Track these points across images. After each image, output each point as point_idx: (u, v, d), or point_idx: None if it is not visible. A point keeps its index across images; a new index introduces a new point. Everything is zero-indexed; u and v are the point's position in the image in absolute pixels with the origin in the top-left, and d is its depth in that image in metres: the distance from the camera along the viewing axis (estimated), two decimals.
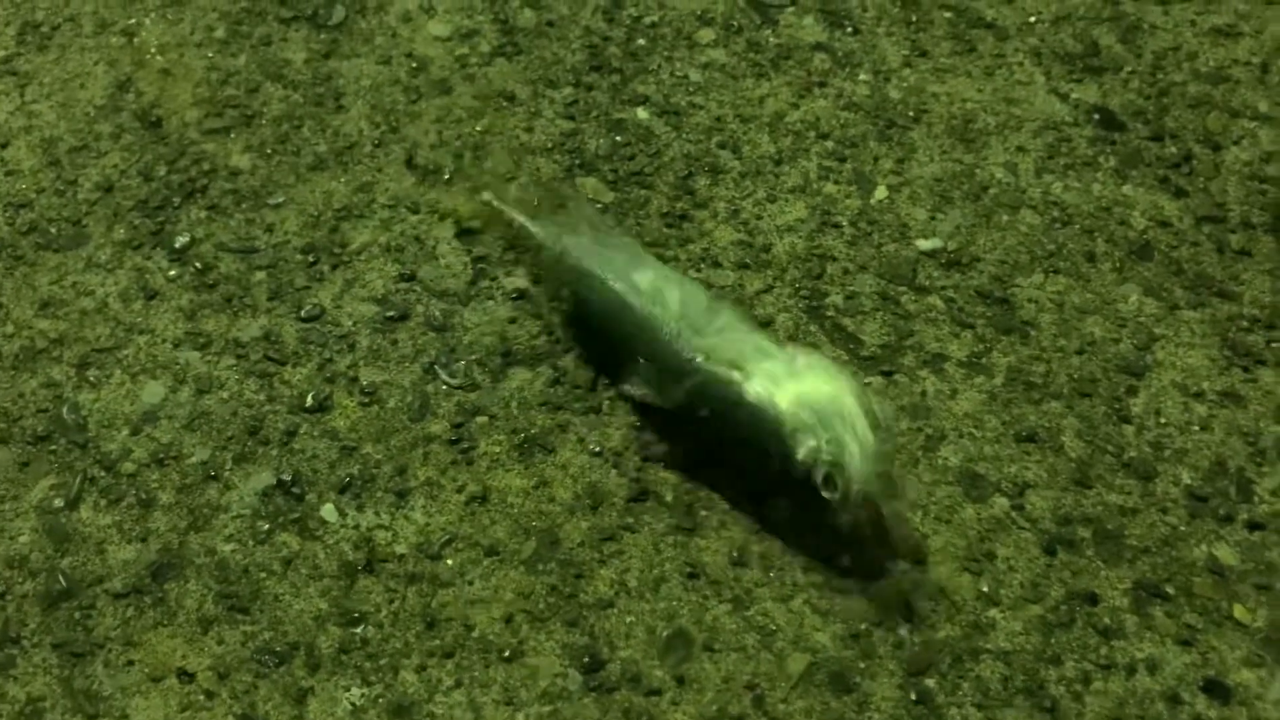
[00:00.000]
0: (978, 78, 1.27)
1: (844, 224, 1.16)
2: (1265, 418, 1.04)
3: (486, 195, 1.16)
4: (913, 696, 0.91)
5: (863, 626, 0.94)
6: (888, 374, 1.07)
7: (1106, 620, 0.94)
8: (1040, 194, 1.18)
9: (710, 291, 1.03)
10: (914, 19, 1.31)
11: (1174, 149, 1.22)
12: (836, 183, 1.19)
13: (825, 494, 0.91)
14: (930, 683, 0.92)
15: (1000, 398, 1.06)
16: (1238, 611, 0.95)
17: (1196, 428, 1.04)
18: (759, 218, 1.17)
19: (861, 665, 0.92)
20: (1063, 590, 0.96)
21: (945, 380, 1.07)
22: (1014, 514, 0.99)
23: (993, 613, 0.95)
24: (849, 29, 1.31)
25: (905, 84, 1.26)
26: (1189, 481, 1.01)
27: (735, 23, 1.32)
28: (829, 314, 1.10)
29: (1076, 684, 0.91)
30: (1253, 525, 0.99)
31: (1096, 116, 1.24)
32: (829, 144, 1.22)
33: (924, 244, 1.15)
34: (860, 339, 1.09)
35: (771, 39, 1.30)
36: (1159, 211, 1.17)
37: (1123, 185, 1.19)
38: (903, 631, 0.94)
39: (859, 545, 0.96)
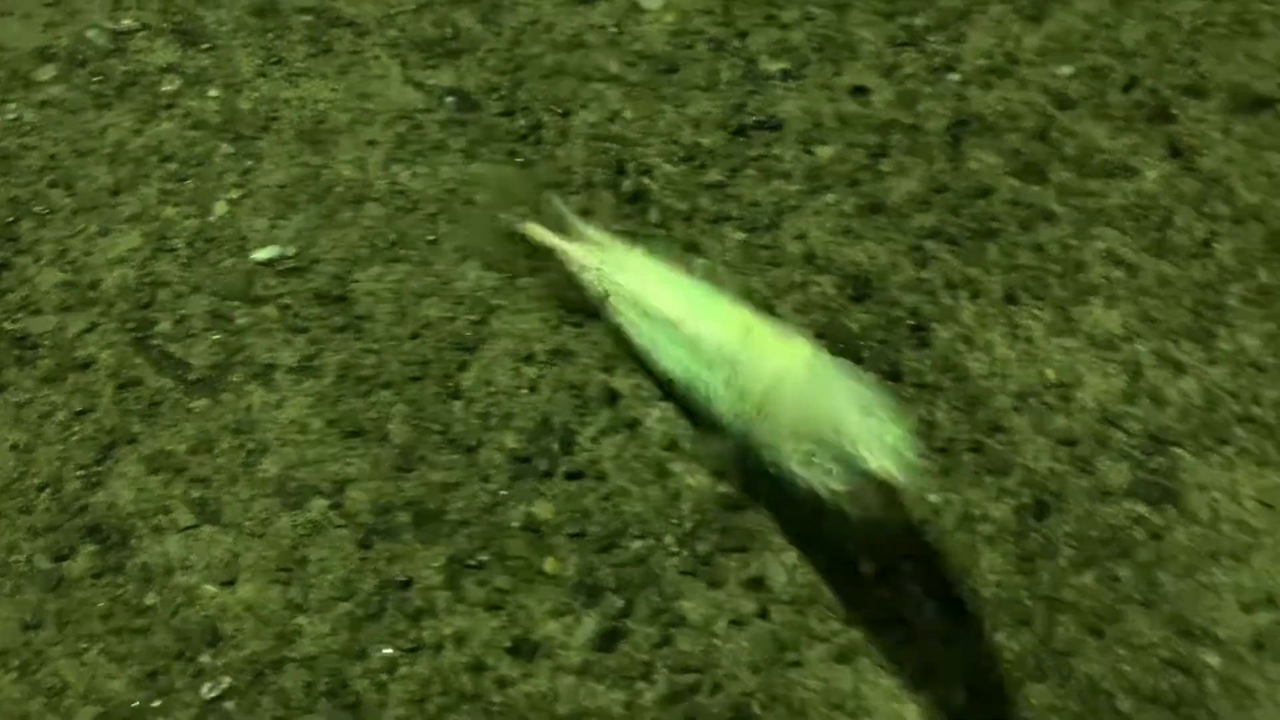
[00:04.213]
0: (332, 78, 1.26)
1: (180, 246, 1.12)
2: (592, 369, 1.07)
3: (530, 227, 1.09)
4: None
5: (161, 663, 0.90)
6: (215, 394, 1.03)
7: (419, 602, 0.94)
8: (387, 185, 1.18)
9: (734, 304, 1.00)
10: (271, 27, 1.29)
11: (524, 121, 1.24)
12: (177, 205, 1.15)
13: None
14: (230, 705, 0.89)
15: (329, 398, 1.04)
16: (549, 565, 0.96)
17: (525, 390, 1.05)
18: (89, 254, 1.12)
19: (156, 704, 0.88)
20: (375, 581, 0.95)
21: (273, 390, 1.04)
22: (331, 514, 0.98)
23: (300, 619, 0.92)
24: (204, 46, 1.27)
25: (257, 94, 1.24)
26: (513, 445, 1.02)
27: (80, 55, 1.26)
28: (155, 343, 1.06)
29: (382, 674, 0.90)
30: (571, 475, 1.01)
31: (451, 99, 1.24)
32: (172, 166, 1.18)
33: (261, 254, 1.12)
34: (188, 363, 1.05)
35: (119, 67, 1.25)
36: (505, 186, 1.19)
37: (470, 164, 1.20)
38: (205, 658, 0.90)
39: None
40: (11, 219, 1.13)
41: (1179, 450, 1.04)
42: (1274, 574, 0.98)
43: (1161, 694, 0.92)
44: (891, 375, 1.07)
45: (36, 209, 1.14)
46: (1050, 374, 1.08)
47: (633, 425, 1.03)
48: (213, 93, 1.23)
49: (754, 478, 0.96)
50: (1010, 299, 1.13)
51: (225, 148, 1.19)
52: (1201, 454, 1.04)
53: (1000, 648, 0.93)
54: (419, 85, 1.26)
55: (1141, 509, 1.01)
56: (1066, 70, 1.30)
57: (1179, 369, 1.09)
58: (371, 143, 1.21)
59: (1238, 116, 1.27)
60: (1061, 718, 0.91)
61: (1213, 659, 0.94)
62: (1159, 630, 0.95)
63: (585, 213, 1.17)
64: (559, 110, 1.25)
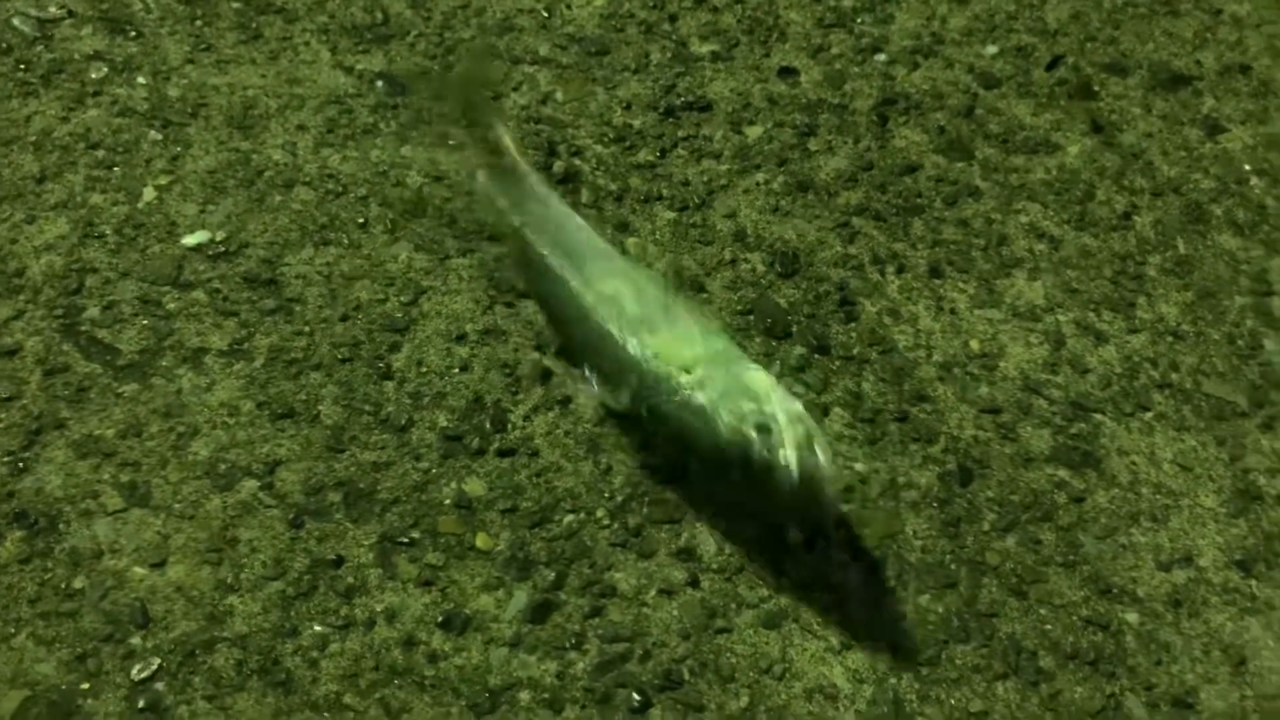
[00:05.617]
0: (262, 64, 1.25)
1: (108, 233, 1.12)
2: (524, 347, 1.07)
3: (498, 133, 1.08)
4: (140, 705, 0.88)
5: (90, 645, 0.90)
6: (144, 378, 1.03)
7: (350, 580, 0.94)
8: (317, 169, 1.18)
9: (669, 288, 1.02)
10: (199, 14, 1.28)
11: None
12: (104, 192, 1.14)
13: (759, 451, 0.88)
14: (160, 686, 0.89)
15: (259, 380, 1.04)
16: (480, 540, 0.97)
17: (457, 370, 1.06)
18: (14, 242, 1.11)
19: (85, 686, 0.88)
20: (307, 560, 0.95)
21: (203, 374, 1.04)
22: (262, 494, 0.98)
23: (231, 599, 0.93)
24: (131, 33, 1.26)
25: (185, 80, 1.23)
26: (445, 424, 1.03)
27: (5, 42, 1.24)
28: (84, 329, 1.05)
29: (313, 651, 0.91)
30: (504, 452, 1.02)
31: (380, 84, 1.25)
32: (99, 153, 1.17)
33: (191, 239, 1.12)
34: (117, 348, 1.05)
35: (45, 54, 1.24)
36: (435, 168, 1.19)
37: (402, 147, 1.20)
38: (134, 640, 0.90)
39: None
40: None
41: (1100, 416, 1.07)
42: (1191, 534, 1.01)
43: (1081, 651, 0.94)
44: (820, 349, 1.09)
45: None
46: (974, 345, 1.10)
47: (565, 402, 1.04)
48: (141, 80, 1.23)
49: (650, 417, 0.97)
50: (935, 273, 1.15)
51: (153, 134, 1.19)
52: (1121, 420, 1.07)
53: (925, 610, 0.95)
54: (349, 70, 1.26)
55: (1063, 474, 1.03)
56: (991, 49, 1.33)
57: (1100, 338, 1.12)
58: (301, 127, 1.21)
59: (1157, 93, 1.30)
60: (985, 677, 0.93)
61: (1131, 616, 0.97)
62: (1079, 590, 0.97)
63: None
64: (491, 93, 1.25)
